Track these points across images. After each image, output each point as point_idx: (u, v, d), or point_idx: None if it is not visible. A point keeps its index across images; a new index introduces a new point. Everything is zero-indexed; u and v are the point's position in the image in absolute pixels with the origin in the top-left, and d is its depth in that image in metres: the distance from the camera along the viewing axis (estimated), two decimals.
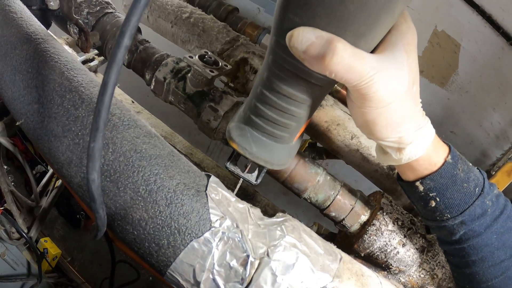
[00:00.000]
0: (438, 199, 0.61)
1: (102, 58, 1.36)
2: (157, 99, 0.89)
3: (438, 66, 1.42)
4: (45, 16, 1.09)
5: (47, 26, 1.13)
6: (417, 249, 0.77)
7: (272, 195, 1.21)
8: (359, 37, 0.44)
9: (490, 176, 1.23)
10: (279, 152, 0.61)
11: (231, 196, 0.58)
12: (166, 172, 0.56)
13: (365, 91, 0.47)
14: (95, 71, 1.28)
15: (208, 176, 0.59)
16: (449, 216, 0.61)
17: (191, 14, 1.12)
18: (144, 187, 0.54)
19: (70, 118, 0.62)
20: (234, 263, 0.52)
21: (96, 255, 3.38)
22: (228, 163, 0.68)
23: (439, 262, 0.78)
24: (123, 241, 0.59)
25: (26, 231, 1.26)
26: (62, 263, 2.19)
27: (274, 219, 0.59)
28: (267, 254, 0.53)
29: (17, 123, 0.74)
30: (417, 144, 0.55)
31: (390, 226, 0.77)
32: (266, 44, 1.35)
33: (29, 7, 0.97)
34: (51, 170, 1.51)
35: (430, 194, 0.61)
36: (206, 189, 0.56)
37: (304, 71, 0.48)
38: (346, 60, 0.43)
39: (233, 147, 0.62)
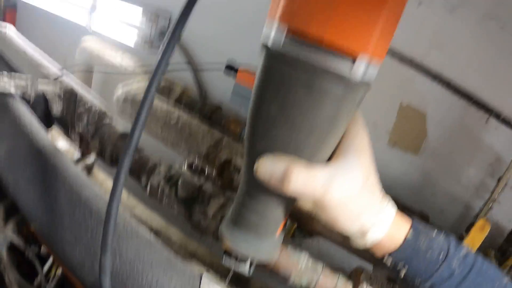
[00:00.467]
0: (406, 269, 0.64)
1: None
2: None
3: (409, 137, 1.49)
4: (49, 120, 1.21)
5: (50, 125, 1.24)
6: None
7: (268, 274, 1.24)
8: (315, 152, 0.52)
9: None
10: (265, 248, 0.68)
11: None
12: (166, 275, 0.67)
13: (320, 201, 0.53)
14: (91, 168, 1.39)
15: (201, 276, 0.69)
16: (419, 280, 0.64)
17: (178, 120, 1.23)
18: None
19: (81, 229, 0.73)
20: None
21: None
22: (223, 260, 0.77)
23: None
24: None
25: None
26: None
27: None
28: None
29: (31, 227, 0.84)
30: (378, 227, 0.59)
31: None
32: None
33: (34, 110, 1.09)
34: (51, 258, 1.57)
35: (398, 266, 0.64)
36: (199, 286, 0.67)
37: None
38: (299, 185, 0.50)
39: (226, 245, 0.69)
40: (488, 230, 1.21)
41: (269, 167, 0.52)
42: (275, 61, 0.46)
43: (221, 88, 1.88)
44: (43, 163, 0.86)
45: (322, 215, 0.56)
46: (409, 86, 1.44)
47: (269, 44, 0.46)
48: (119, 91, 1.45)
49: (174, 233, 1.19)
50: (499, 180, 1.35)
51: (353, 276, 0.89)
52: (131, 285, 0.66)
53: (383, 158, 1.57)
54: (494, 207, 1.39)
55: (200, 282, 0.68)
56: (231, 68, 1.51)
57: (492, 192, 1.37)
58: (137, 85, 1.53)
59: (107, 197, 0.83)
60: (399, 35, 1.46)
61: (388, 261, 0.63)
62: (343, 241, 0.99)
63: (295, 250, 0.89)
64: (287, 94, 0.47)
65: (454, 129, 1.42)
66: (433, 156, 1.48)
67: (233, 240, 0.66)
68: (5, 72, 1.13)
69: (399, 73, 1.43)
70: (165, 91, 1.71)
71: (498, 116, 1.32)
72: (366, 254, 0.99)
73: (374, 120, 1.56)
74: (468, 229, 1.28)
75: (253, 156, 0.55)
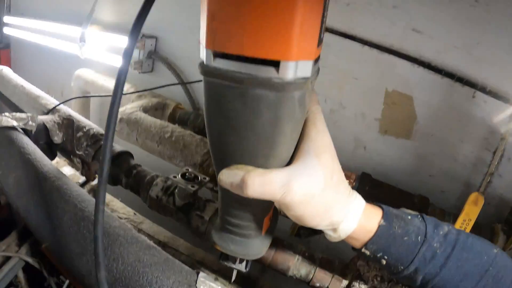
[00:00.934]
0: (386, 257, 0.66)
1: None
2: None
3: (399, 122, 1.51)
4: (51, 149, 1.27)
5: (54, 156, 1.31)
6: None
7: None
8: (268, 158, 0.54)
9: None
10: (253, 246, 0.73)
11: (216, 286, 0.76)
12: (164, 274, 0.75)
13: (282, 201, 0.55)
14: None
15: (198, 273, 0.77)
16: (402, 267, 0.66)
17: (172, 133, 1.30)
18: (148, 287, 0.73)
19: (86, 241, 0.82)
20: None
21: None
22: (220, 260, 0.80)
23: None
24: None
25: None
26: None
27: None
28: None
29: (43, 246, 0.91)
30: (348, 220, 0.61)
31: (370, 284, 0.84)
32: None
33: (37, 142, 1.16)
34: (67, 281, 1.62)
35: (378, 255, 0.65)
36: (196, 283, 0.74)
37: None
38: (257, 189, 0.53)
39: (217, 248, 0.75)
40: (482, 203, 1.20)
41: (228, 176, 0.55)
42: (211, 76, 0.48)
43: None
44: (48, 186, 0.94)
45: (289, 214, 0.60)
46: (391, 73, 1.46)
47: (204, 60, 0.48)
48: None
49: (182, 244, 1.25)
50: (494, 152, 1.37)
51: (352, 263, 0.92)
52: (133, 286, 0.74)
53: (376, 147, 1.60)
54: (495, 180, 1.40)
55: (196, 279, 0.75)
56: None
57: (489, 165, 1.38)
58: (131, 105, 1.60)
59: (108, 209, 0.91)
60: (374, 25, 1.46)
61: (367, 251, 0.66)
62: None
63: (291, 244, 0.94)
64: (226, 106, 0.49)
65: (442, 108, 1.43)
66: (426, 138, 1.49)
67: (222, 243, 0.72)
68: (6, 113, 1.20)
69: (380, 62, 1.46)
70: (159, 108, 1.78)
71: (484, 89, 1.33)
72: None
73: (362, 111, 1.59)
74: None
75: (217, 166, 0.60)
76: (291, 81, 0.45)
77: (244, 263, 0.79)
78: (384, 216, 0.65)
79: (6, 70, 1.75)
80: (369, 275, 0.85)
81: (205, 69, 0.48)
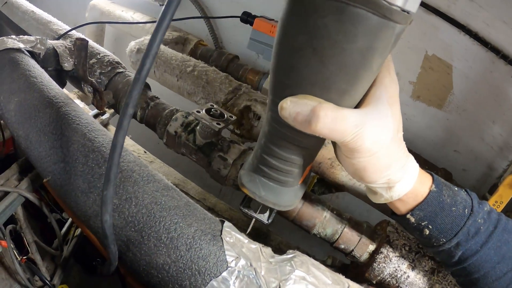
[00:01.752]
0: (430, 227, 0.63)
1: (112, 110, 1.45)
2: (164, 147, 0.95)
3: (434, 89, 1.44)
4: (61, 76, 1.17)
5: (63, 85, 1.21)
6: (426, 271, 0.79)
7: (287, 231, 1.23)
8: (343, 93, 0.49)
9: (495, 189, 1.19)
10: (286, 195, 0.67)
11: (243, 238, 0.64)
12: (185, 220, 0.63)
13: (351, 145, 0.51)
14: (107, 124, 1.36)
15: (222, 222, 0.66)
16: (444, 240, 0.63)
17: (194, 67, 1.20)
18: (166, 235, 0.61)
19: (95, 176, 0.70)
20: None
21: None
22: (241, 206, 0.74)
23: (450, 281, 0.79)
24: (148, 285, 0.65)
25: (49, 279, 1.31)
26: None
27: (284, 256, 0.65)
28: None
29: (44, 180, 0.81)
30: (404, 181, 0.59)
31: (398, 252, 0.79)
32: (267, 88, 1.41)
33: (45, 68, 1.05)
34: (70, 220, 1.57)
35: (422, 223, 0.63)
36: (221, 234, 0.63)
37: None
38: (328, 124, 0.48)
39: (244, 192, 0.68)
40: None
41: (294, 106, 0.49)
42: None
43: (237, 38, 1.85)
44: (54, 112, 0.82)
45: (351, 163, 0.56)
46: (434, 36, 1.37)
47: None
48: (132, 43, 1.40)
49: (192, 188, 1.17)
50: None
51: (379, 228, 0.88)
52: (148, 232, 0.62)
53: (406, 111, 1.52)
54: None
55: (221, 229, 0.64)
56: (248, 15, 1.48)
57: None
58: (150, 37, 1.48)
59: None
60: None
61: (412, 218, 0.64)
62: (366, 192, 0.95)
63: (319, 199, 0.87)
64: (316, 21, 0.43)
65: (480, 83, 1.36)
66: (458, 111, 1.43)
67: (252, 187, 0.66)
68: (13, 35, 1.09)
69: (424, 22, 1.36)
70: (180, 43, 1.66)
71: None
72: (390, 208, 0.96)
73: (396, 70, 1.49)
74: (491, 190, 1.23)
75: (278, 95, 0.52)
76: (398, 9, 0.40)
77: (267, 213, 0.74)
78: (435, 183, 0.63)
79: None
80: (398, 243, 0.81)
81: None
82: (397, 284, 0.80)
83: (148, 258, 0.62)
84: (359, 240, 0.83)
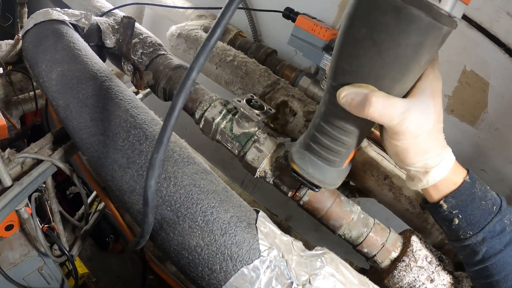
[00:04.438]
0: (460, 216, 0.68)
1: (147, 91, 1.46)
2: (194, 133, 0.95)
3: (468, 105, 1.43)
4: (101, 52, 1.19)
5: (102, 61, 1.23)
6: (444, 285, 0.79)
7: (303, 231, 1.23)
8: (395, 82, 0.56)
9: None
10: (331, 174, 0.73)
11: (276, 230, 0.65)
12: (221, 205, 0.64)
13: (397, 128, 0.59)
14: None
15: (257, 211, 0.67)
16: (471, 233, 0.68)
17: (234, 58, 1.20)
18: (202, 217, 0.62)
19: (135, 152, 0.71)
20: None
21: (119, 279, 3.42)
22: (293, 173, 0.77)
23: None
24: (177, 265, 0.66)
25: (68, 249, 1.34)
26: (88, 283, 2.25)
27: (314, 252, 0.65)
28: (309, 281, 0.59)
29: (80, 152, 0.82)
30: (440, 167, 0.65)
31: (419, 262, 0.79)
32: (303, 86, 1.42)
33: (87, 43, 1.06)
34: (94, 193, 1.59)
35: (453, 212, 0.68)
36: (256, 223, 0.63)
37: None
38: (379, 109, 0.56)
39: (293, 167, 0.74)
40: None
41: (350, 93, 0.57)
42: None
43: (276, 33, 1.85)
44: (97, 85, 0.83)
45: (395, 144, 0.63)
46: (474, 51, 1.35)
47: None
48: (173, 27, 1.41)
49: (219, 176, 1.17)
50: None
51: (404, 236, 0.88)
52: (184, 213, 0.63)
53: None
54: None
55: (256, 218, 0.65)
56: (290, 11, 1.48)
57: None
58: (191, 23, 1.49)
59: (162, 122, 0.80)
60: None
61: (444, 205, 0.69)
62: (393, 200, 0.94)
63: (348, 201, 0.87)
64: (378, 17, 0.50)
65: None
66: (489, 130, 1.41)
67: (301, 163, 0.73)
68: (57, 8, 1.11)
69: (466, 36, 1.35)
70: None
71: None
72: (416, 219, 0.96)
73: None
74: None
75: (337, 79, 0.60)
76: (446, 13, 0.49)
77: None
78: (469, 175, 0.69)
79: None
80: (420, 254, 0.81)
81: None
82: None
83: (181, 239, 0.62)
84: (383, 246, 0.83)
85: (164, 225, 0.64)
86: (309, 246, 1.07)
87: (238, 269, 0.59)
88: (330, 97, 0.63)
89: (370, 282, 0.68)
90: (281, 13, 1.50)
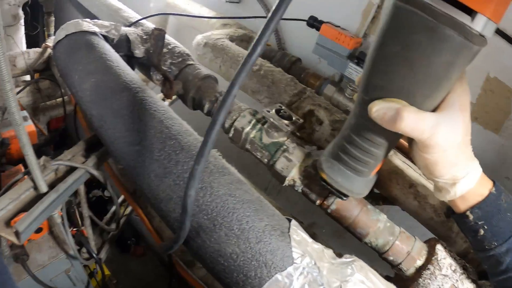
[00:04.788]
0: (485, 227, 0.69)
1: (171, 100, 1.49)
2: (219, 141, 0.97)
3: (492, 113, 1.42)
4: (130, 62, 1.22)
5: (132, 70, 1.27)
6: None
7: (326, 237, 1.24)
8: (425, 97, 0.58)
9: None
10: (359, 183, 0.75)
11: (308, 238, 0.68)
12: (256, 215, 0.66)
13: (427, 142, 0.61)
14: None
15: (289, 220, 0.69)
16: (496, 244, 0.69)
17: (261, 67, 1.22)
18: (237, 226, 0.65)
19: (171, 162, 0.74)
20: None
21: (140, 281, 3.47)
22: (323, 182, 0.79)
23: None
24: (212, 271, 0.69)
25: (96, 252, 1.38)
26: (109, 285, 2.29)
27: (344, 259, 0.68)
28: None
29: (114, 160, 0.85)
30: (467, 179, 0.66)
31: (444, 271, 0.80)
32: (328, 94, 1.44)
33: (117, 52, 1.10)
34: (121, 197, 1.63)
35: (479, 223, 0.69)
36: (289, 231, 0.66)
37: None
38: (410, 123, 0.58)
39: (322, 177, 0.76)
40: None
41: (382, 108, 0.59)
42: (407, 3, 0.51)
43: (300, 41, 1.86)
44: (131, 96, 0.86)
45: (424, 157, 0.64)
46: (498, 58, 1.35)
47: None
48: (199, 37, 1.44)
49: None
50: None
51: (428, 244, 0.89)
52: (220, 221, 0.66)
53: None
54: None
55: (289, 227, 0.67)
56: (314, 20, 1.50)
57: None
58: (217, 32, 1.52)
59: (197, 134, 0.83)
60: None
61: (470, 216, 0.70)
62: (418, 209, 0.95)
63: (375, 210, 0.88)
64: (411, 36, 0.52)
65: None
66: None
67: (331, 173, 0.75)
68: (87, 19, 1.15)
69: (489, 43, 1.33)
70: (245, 40, 1.69)
71: None
72: (441, 228, 0.96)
73: None
74: None
75: (369, 94, 0.62)
76: (478, 34, 0.50)
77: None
78: (495, 187, 0.70)
79: None
80: (445, 262, 0.82)
81: None
82: None
83: (217, 246, 0.65)
84: (408, 254, 0.84)
85: (200, 232, 0.67)
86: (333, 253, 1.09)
87: (272, 276, 0.61)
88: (361, 110, 0.65)
89: None
90: (305, 22, 1.52)
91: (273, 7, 0.47)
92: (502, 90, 1.37)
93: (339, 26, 1.45)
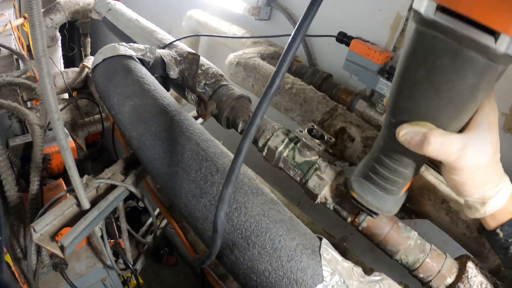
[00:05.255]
0: None
1: (203, 119, 1.54)
2: (251, 153, 0.99)
3: None
4: (165, 83, 1.27)
5: (167, 91, 1.32)
6: None
7: (358, 252, 1.23)
8: (451, 120, 0.58)
9: None
10: (389, 202, 0.76)
11: (338, 256, 0.70)
12: (288, 234, 0.69)
13: (455, 165, 0.61)
14: None
15: (320, 238, 0.72)
16: None
17: (293, 85, 1.25)
18: (270, 245, 0.68)
19: (207, 183, 0.78)
20: None
21: None
22: (353, 200, 0.80)
23: None
24: (243, 286, 0.72)
25: (132, 263, 1.43)
26: None
27: (373, 277, 0.69)
28: None
29: (153, 179, 0.89)
30: (497, 198, 0.66)
31: None
32: (359, 109, 1.45)
33: (152, 74, 1.14)
34: (157, 211, 1.68)
35: (509, 240, 0.69)
36: (319, 249, 0.68)
37: None
38: (437, 147, 0.58)
39: (353, 195, 0.78)
40: None
41: (409, 132, 0.60)
42: (429, 27, 0.50)
43: (330, 57, 1.88)
44: (169, 119, 0.90)
45: (453, 178, 0.64)
46: None
47: (422, 11, 0.50)
48: (231, 56, 1.48)
49: (278, 198, 1.21)
50: None
51: (459, 261, 0.88)
52: (254, 240, 0.69)
53: None
54: None
55: (320, 245, 0.69)
56: (343, 36, 1.52)
57: None
58: (248, 50, 1.55)
59: (232, 154, 0.87)
60: None
61: (500, 233, 0.69)
62: (450, 224, 0.95)
63: (406, 227, 0.88)
64: (435, 60, 0.52)
65: None
66: None
67: (361, 191, 0.76)
68: (123, 43, 1.21)
69: None
70: (275, 57, 1.71)
71: None
72: (473, 244, 0.95)
73: None
74: None
75: (396, 116, 0.63)
76: (503, 54, 0.48)
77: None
78: None
79: (119, 5, 1.80)
80: (475, 280, 0.81)
81: (424, 19, 0.51)
82: None
83: (250, 264, 0.68)
84: (438, 271, 0.84)
85: (234, 250, 0.70)
86: (365, 268, 1.09)
87: None
88: (389, 133, 0.66)
89: None
90: (335, 38, 1.54)
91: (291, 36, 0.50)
92: None
93: (368, 41, 1.46)
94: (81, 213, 1.02)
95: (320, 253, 0.68)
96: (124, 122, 0.97)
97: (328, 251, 0.69)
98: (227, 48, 1.93)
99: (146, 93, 0.98)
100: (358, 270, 0.70)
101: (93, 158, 2.23)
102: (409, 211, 1.12)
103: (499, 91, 1.40)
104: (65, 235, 0.94)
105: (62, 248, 0.93)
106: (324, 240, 0.71)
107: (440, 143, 0.58)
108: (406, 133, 0.60)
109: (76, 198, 1.00)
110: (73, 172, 0.90)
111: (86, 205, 1.02)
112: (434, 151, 0.59)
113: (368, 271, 0.78)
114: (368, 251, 1.77)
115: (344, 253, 1.13)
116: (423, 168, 0.99)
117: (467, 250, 0.98)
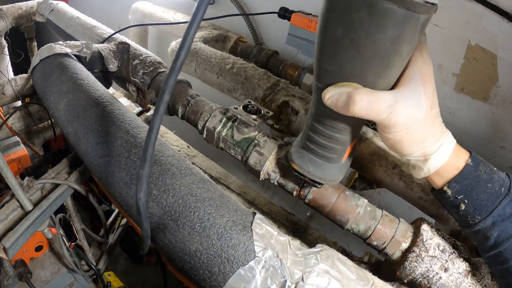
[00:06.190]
0: (466, 201, 0.66)
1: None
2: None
3: (478, 81, 1.39)
4: (106, 77, 1.25)
5: (109, 85, 1.28)
6: (460, 273, 0.77)
7: (329, 227, 1.21)
8: (378, 77, 0.56)
9: None
10: (331, 170, 0.74)
11: (273, 230, 0.68)
12: (217, 211, 0.67)
13: (386, 122, 0.59)
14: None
15: (254, 214, 0.70)
16: (479, 218, 0.65)
17: (233, 65, 1.23)
18: (199, 224, 0.66)
19: (137, 169, 0.75)
20: (274, 287, 0.61)
21: None
22: (294, 172, 0.79)
23: (485, 286, 0.77)
24: (181, 270, 0.70)
25: (95, 264, 1.40)
26: None
27: (311, 249, 0.67)
28: (302, 279, 0.61)
29: (92, 172, 0.87)
30: (439, 153, 0.64)
31: (431, 252, 0.77)
32: (307, 83, 1.43)
33: (91, 70, 1.12)
34: (116, 210, 1.65)
35: (458, 197, 0.67)
36: (251, 225, 0.66)
37: None
38: (364, 106, 0.56)
39: (294, 167, 0.76)
40: None
41: (334, 94, 0.58)
42: None
43: (276, 34, 1.86)
44: (100, 111, 0.88)
45: (388, 137, 0.63)
46: (477, 25, 1.32)
47: None
48: (173, 43, 1.46)
49: (233, 181, 1.20)
50: None
51: (414, 225, 0.86)
52: (183, 221, 0.67)
53: (449, 105, 1.47)
54: None
55: (252, 221, 0.67)
56: (285, 11, 1.50)
57: None
58: None
59: (162, 139, 0.84)
60: None
61: (448, 191, 0.68)
62: (405, 189, 0.94)
63: (354, 195, 0.86)
64: (352, 15, 0.50)
65: None
66: (504, 104, 1.36)
67: (301, 163, 0.75)
68: (60, 41, 1.17)
69: (466, 10, 1.31)
70: (220, 40, 1.70)
71: None
72: (432, 207, 0.96)
73: (439, 62, 1.45)
74: None
75: (321, 80, 0.61)
76: (421, 1, 0.47)
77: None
78: (472, 158, 0.67)
79: (62, 4, 1.75)
80: (432, 243, 0.79)
81: None
82: (428, 285, 0.79)
83: (182, 245, 0.66)
84: (392, 237, 0.82)
85: (166, 233, 0.68)
86: (329, 243, 1.08)
87: (235, 270, 0.62)
88: (318, 98, 0.63)
89: (371, 277, 0.68)
90: (277, 14, 1.51)
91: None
92: (486, 56, 1.34)
93: (310, 14, 1.44)
94: (24, 215, 0.99)
95: (252, 228, 0.65)
96: (61, 120, 0.95)
97: (262, 226, 0.67)
98: (175, 37, 1.90)
99: (79, 88, 0.96)
100: (296, 243, 0.68)
101: (50, 162, 2.18)
102: (370, 182, 1.12)
103: (448, 52, 1.43)
104: (7, 236, 0.93)
105: (5, 250, 0.91)
106: (258, 215, 0.69)
107: (367, 101, 0.56)
108: (332, 95, 0.58)
109: (18, 200, 0.98)
110: (7, 173, 0.88)
111: (28, 206, 0.99)
112: (361, 111, 0.57)
113: (331, 245, 0.77)
114: (336, 226, 1.77)
115: (304, 230, 1.12)
116: (371, 134, 0.98)
117: (427, 213, 0.98)
